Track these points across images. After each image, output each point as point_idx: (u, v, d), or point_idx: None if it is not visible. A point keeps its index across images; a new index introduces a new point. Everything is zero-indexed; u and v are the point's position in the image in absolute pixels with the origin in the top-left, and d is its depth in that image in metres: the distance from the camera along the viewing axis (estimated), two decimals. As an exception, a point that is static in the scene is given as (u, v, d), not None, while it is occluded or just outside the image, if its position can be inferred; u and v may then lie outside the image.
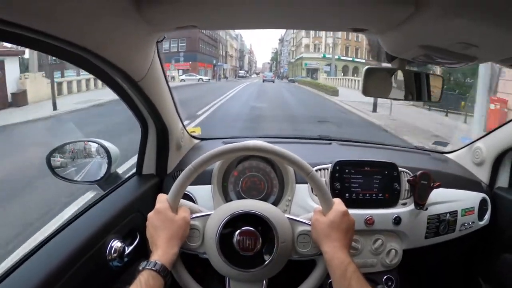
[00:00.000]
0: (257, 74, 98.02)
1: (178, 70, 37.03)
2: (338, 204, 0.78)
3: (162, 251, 0.70)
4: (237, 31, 76.06)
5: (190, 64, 41.92)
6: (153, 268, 0.66)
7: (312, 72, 53.91)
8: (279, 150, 0.78)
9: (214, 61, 52.14)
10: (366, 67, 0.96)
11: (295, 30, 54.97)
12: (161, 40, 0.85)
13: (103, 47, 0.65)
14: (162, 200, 0.77)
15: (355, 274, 0.68)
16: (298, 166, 0.78)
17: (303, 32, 53.58)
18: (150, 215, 0.76)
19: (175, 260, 0.72)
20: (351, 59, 50.87)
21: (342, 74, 42.65)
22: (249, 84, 32.66)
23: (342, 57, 50.59)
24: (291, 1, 0.63)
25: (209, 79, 40.09)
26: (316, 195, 1.09)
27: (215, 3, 0.63)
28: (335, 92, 20.57)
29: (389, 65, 0.98)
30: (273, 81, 43.45)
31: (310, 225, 0.78)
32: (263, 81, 41.81)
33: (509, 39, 0.63)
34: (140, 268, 0.67)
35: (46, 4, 0.47)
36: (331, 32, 38.05)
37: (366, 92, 0.97)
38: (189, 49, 42.21)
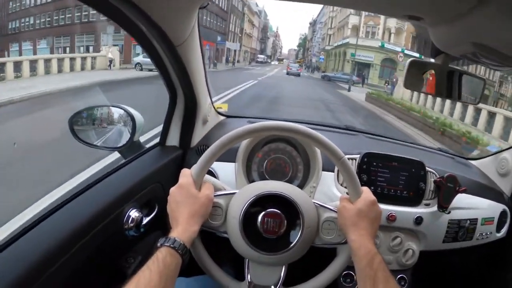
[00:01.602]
0: (279, 60, 77.88)
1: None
2: (366, 192, 0.76)
3: (182, 228, 0.68)
4: (261, 5, 64.59)
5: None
6: (171, 246, 0.64)
7: (361, 67, 34.21)
8: (312, 133, 0.76)
9: (219, 38, 35.38)
10: (410, 59, 0.93)
11: (334, 8, 40.51)
12: (204, 7, 0.82)
13: (147, 2, 0.62)
14: (186, 174, 0.74)
15: (382, 265, 0.66)
16: (330, 151, 0.76)
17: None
18: (173, 189, 0.73)
19: (194, 238, 0.70)
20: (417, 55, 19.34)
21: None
22: (257, 84, 16.91)
23: (407, 51, 30.25)
24: None
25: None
26: (342, 185, 1.07)
27: None
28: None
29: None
30: (299, 75, 32.68)
31: (336, 212, 0.76)
32: (287, 73, 32.14)
33: None
34: (159, 244, 0.65)
35: None
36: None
37: (406, 84, 0.94)
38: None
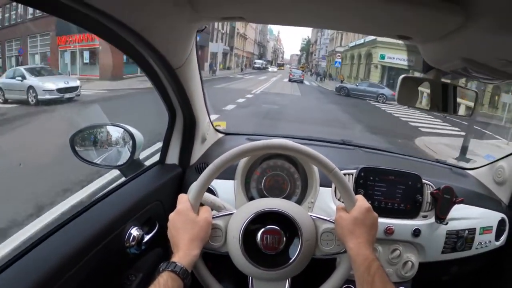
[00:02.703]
0: (280, 66, 66.03)
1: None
2: (361, 200, 0.77)
3: (183, 253, 0.69)
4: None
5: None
6: (172, 270, 0.65)
7: (392, 74, 23.66)
8: (302, 148, 0.78)
9: (199, 38, 20.78)
10: (403, 75, 0.95)
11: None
12: (202, 30, 0.85)
13: (148, 30, 0.64)
14: (183, 200, 0.76)
15: (379, 271, 0.67)
16: (321, 164, 0.78)
17: None
18: (172, 216, 0.75)
19: (195, 261, 0.71)
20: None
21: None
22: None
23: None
24: (342, 4, 0.62)
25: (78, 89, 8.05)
26: (339, 200, 1.08)
27: None
28: None
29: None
30: (302, 81, 29.11)
31: (333, 222, 0.77)
32: (289, 80, 28.90)
33: None
34: (161, 269, 0.66)
35: None
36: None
37: (400, 100, 0.96)
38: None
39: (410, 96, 1.00)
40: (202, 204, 0.79)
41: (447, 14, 0.57)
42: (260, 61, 53.42)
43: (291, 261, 0.73)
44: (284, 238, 0.74)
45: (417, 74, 1.12)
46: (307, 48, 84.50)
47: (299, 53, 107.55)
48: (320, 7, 0.65)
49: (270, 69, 49.35)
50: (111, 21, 0.56)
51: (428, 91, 0.99)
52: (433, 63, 0.87)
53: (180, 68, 0.84)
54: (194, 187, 0.76)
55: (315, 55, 66.57)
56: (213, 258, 0.79)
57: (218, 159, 0.75)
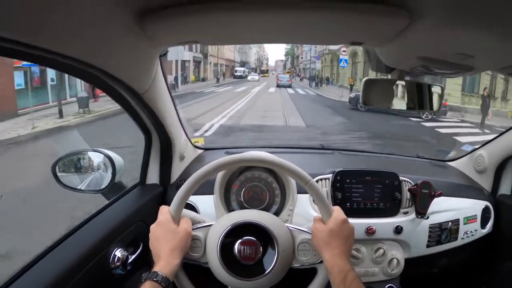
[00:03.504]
0: (263, 73, 58.82)
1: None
2: (337, 212, 0.79)
3: (164, 262, 0.72)
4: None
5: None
6: (155, 279, 0.67)
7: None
8: (278, 161, 0.80)
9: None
10: (366, 78, 0.98)
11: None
12: (164, 54, 0.87)
13: (108, 62, 0.67)
14: (164, 212, 0.78)
15: (355, 282, 0.69)
16: (297, 176, 0.80)
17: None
18: (153, 227, 0.77)
19: (177, 270, 0.73)
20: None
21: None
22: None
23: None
24: (292, 19, 0.64)
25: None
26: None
27: (215, 21, 0.64)
28: None
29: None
30: (290, 86, 28.56)
31: (310, 233, 0.79)
32: (277, 85, 28.32)
33: (505, 48, 0.64)
34: (143, 279, 0.68)
35: (52, 25, 0.49)
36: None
37: (366, 101, 0.98)
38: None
39: (381, 98, 1.02)
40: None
41: (393, 17, 0.59)
42: (242, 69, 47.44)
43: (267, 271, 0.75)
44: (261, 249, 0.76)
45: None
46: (292, 53, 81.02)
47: (284, 58, 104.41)
48: (273, 24, 0.68)
49: (249, 78, 38.31)
50: (71, 60, 0.58)
51: (398, 92, 1.01)
52: (391, 64, 0.89)
53: (146, 93, 0.86)
54: (174, 200, 0.79)
55: (301, 57, 61.58)
56: (194, 270, 0.81)
57: (196, 172, 0.78)
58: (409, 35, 0.64)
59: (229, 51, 52.16)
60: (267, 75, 57.30)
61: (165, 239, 0.75)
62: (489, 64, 0.82)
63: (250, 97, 17.46)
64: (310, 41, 0.84)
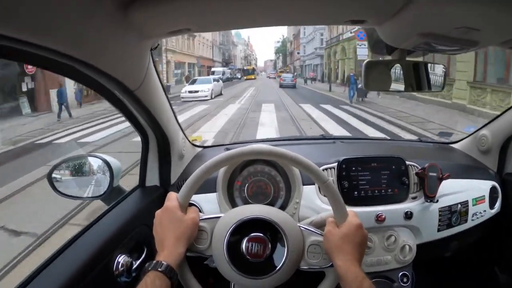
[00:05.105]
0: (248, 74, 43.98)
1: None
2: (352, 216, 0.75)
3: (168, 252, 0.69)
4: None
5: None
6: (159, 269, 0.65)
7: None
8: (294, 156, 0.75)
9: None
10: (366, 60, 0.95)
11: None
12: (155, 48, 0.84)
13: (95, 56, 0.63)
14: (172, 198, 0.75)
15: None
16: (315, 174, 0.76)
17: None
18: (158, 212, 0.75)
19: (181, 260, 0.70)
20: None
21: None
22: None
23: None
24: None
25: None
26: (324, 195, 1.07)
27: (207, 5, 0.61)
28: None
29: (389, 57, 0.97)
30: (294, 86, 25.37)
31: (322, 235, 0.75)
32: (280, 86, 25.55)
33: (509, 19, 0.61)
34: (147, 269, 0.65)
35: (33, 15, 0.45)
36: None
37: (367, 85, 0.96)
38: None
39: (380, 81, 1.00)
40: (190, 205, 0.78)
41: None
42: (221, 69, 35.74)
43: (276, 269, 0.71)
44: (270, 246, 0.72)
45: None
46: (283, 50, 71.89)
47: (273, 57, 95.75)
48: (265, 5, 0.65)
49: (186, 92, 16.86)
50: (57, 55, 0.54)
51: (397, 72, 0.99)
52: (393, 43, 0.87)
53: (139, 89, 0.82)
54: (183, 186, 0.75)
55: (298, 52, 50.32)
56: (198, 264, 0.78)
57: (208, 162, 0.75)
58: (410, 11, 0.61)
59: (205, 47, 39.77)
60: (253, 77, 42.80)
61: (170, 226, 0.72)
62: (494, 37, 0.79)
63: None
64: (307, 22, 0.81)
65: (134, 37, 0.70)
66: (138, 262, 0.91)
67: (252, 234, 0.72)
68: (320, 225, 0.79)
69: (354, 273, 0.67)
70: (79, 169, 1.11)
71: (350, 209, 0.77)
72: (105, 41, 0.63)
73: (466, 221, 1.20)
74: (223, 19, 0.72)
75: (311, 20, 0.82)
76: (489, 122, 1.38)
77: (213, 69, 35.95)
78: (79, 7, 0.51)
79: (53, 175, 1.06)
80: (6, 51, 0.49)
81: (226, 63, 51.20)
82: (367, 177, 1.11)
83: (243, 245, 0.72)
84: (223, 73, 34.21)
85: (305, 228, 0.77)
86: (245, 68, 48.13)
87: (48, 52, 0.52)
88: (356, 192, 1.09)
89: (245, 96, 18.23)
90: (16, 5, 0.42)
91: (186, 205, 0.75)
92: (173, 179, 1.16)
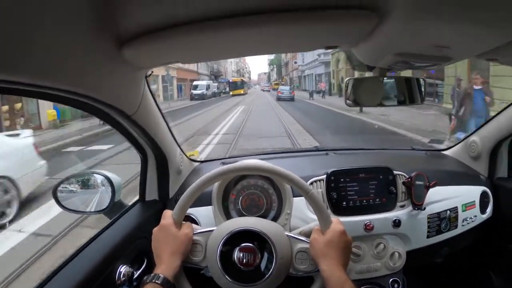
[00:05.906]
0: (235, 88, 35.49)
1: None
2: (336, 223, 0.81)
3: (165, 265, 0.76)
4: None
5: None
6: (156, 282, 0.71)
7: None
8: (277, 170, 0.82)
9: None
10: (352, 78, 0.99)
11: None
12: (149, 75, 0.90)
13: (94, 89, 0.69)
14: (167, 216, 0.83)
15: None
16: (297, 185, 0.82)
17: None
18: (155, 230, 0.82)
19: (177, 272, 0.77)
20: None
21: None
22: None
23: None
24: (266, 32, 0.66)
25: None
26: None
27: (195, 41, 0.67)
28: None
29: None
30: (292, 99, 24.21)
31: (308, 242, 0.81)
32: (278, 99, 24.36)
33: (478, 34, 0.64)
34: (145, 282, 0.72)
35: (35, 60, 0.51)
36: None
37: (357, 101, 0.98)
38: None
39: (369, 97, 1.03)
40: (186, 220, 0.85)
41: (360, 16, 0.61)
42: (204, 83, 30.12)
43: (266, 276, 0.77)
44: (259, 255, 0.78)
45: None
46: (277, 61, 67.38)
47: (268, 69, 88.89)
48: (246, 38, 0.70)
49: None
50: (56, 90, 0.60)
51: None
52: (371, 63, 0.91)
53: (136, 114, 0.88)
54: (177, 205, 0.83)
55: (295, 62, 46.35)
56: (195, 275, 0.83)
57: (197, 181, 0.83)
58: (381, 33, 0.65)
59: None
60: (241, 91, 35.40)
61: (166, 242, 0.79)
62: (466, 52, 0.82)
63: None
64: (288, 49, 0.87)
65: (129, 69, 0.76)
66: (138, 272, 0.97)
67: (242, 244, 0.79)
68: (309, 234, 0.84)
69: (337, 277, 0.73)
70: (82, 185, 1.18)
71: (334, 217, 0.82)
72: (103, 75, 0.69)
73: (456, 226, 1.23)
74: (208, 52, 0.79)
75: (290, 48, 0.87)
76: (478, 128, 1.40)
77: (195, 82, 30.30)
78: (78, 49, 0.57)
79: (58, 191, 1.13)
80: (6, 90, 0.55)
81: (214, 76, 45.12)
82: (355, 187, 1.14)
83: (235, 255, 0.78)
84: (208, 87, 29.74)
85: (292, 236, 0.83)
86: (230, 81, 39.02)
87: (51, 89, 0.59)
88: (344, 203, 1.13)
89: (219, 131, 9.94)
90: (20, 53, 0.47)
91: (180, 221, 0.83)
92: (172, 192, 1.22)
